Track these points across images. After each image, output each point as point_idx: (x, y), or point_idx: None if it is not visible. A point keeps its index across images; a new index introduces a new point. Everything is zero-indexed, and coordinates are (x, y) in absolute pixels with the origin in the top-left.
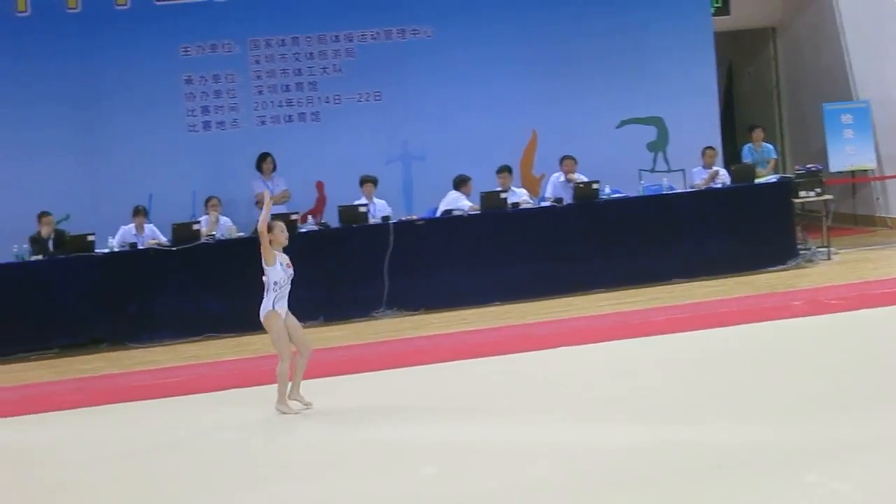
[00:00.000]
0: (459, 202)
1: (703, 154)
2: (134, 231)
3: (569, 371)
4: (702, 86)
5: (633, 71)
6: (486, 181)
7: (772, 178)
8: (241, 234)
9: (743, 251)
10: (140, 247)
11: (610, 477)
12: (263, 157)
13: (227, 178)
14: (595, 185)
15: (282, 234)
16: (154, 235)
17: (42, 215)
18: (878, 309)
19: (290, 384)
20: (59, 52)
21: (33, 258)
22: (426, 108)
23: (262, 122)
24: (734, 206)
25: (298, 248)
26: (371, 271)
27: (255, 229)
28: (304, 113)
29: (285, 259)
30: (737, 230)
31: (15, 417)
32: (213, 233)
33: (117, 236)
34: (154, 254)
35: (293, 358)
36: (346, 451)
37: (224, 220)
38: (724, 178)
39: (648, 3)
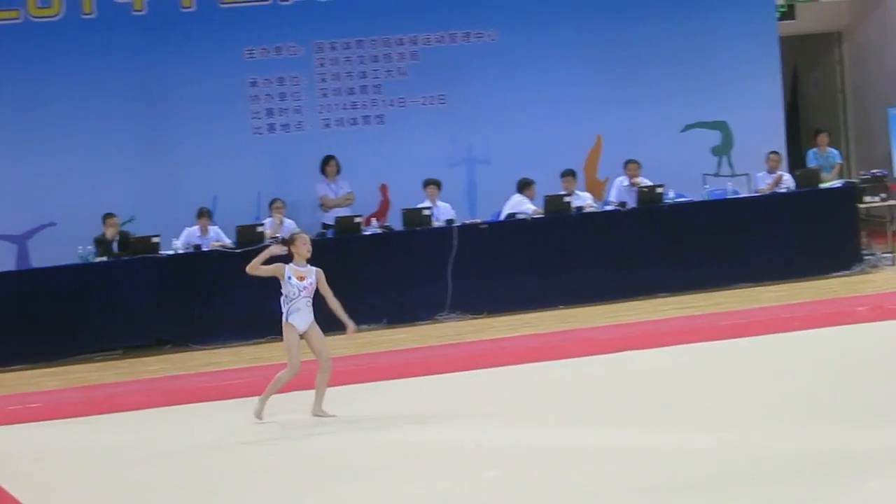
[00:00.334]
0: (523, 206)
1: (768, 158)
2: (198, 233)
3: (633, 375)
4: (767, 90)
5: (698, 75)
6: (549, 185)
7: (836, 184)
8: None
9: (807, 256)
10: (204, 249)
11: (676, 481)
12: (328, 159)
13: (291, 181)
14: (659, 189)
15: (304, 246)
16: (218, 237)
17: (107, 217)
18: None
19: (314, 396)
20: (125, 54)
21: (98, 259)
22: (490, 111)
23: (327, 125)
24: (798, 211)
25: (362, 250)
26: (434, 274)
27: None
28: (368, 116)
29: (300, 272)
30: (801, 235)
31: (79, 418)
32: (277, 235)
33: (181, 238)
34: (218, 256)
35: (317, 373)
36: (410, 454)
37: (288, 222)
38: (788, 182)
39: (714, 8)
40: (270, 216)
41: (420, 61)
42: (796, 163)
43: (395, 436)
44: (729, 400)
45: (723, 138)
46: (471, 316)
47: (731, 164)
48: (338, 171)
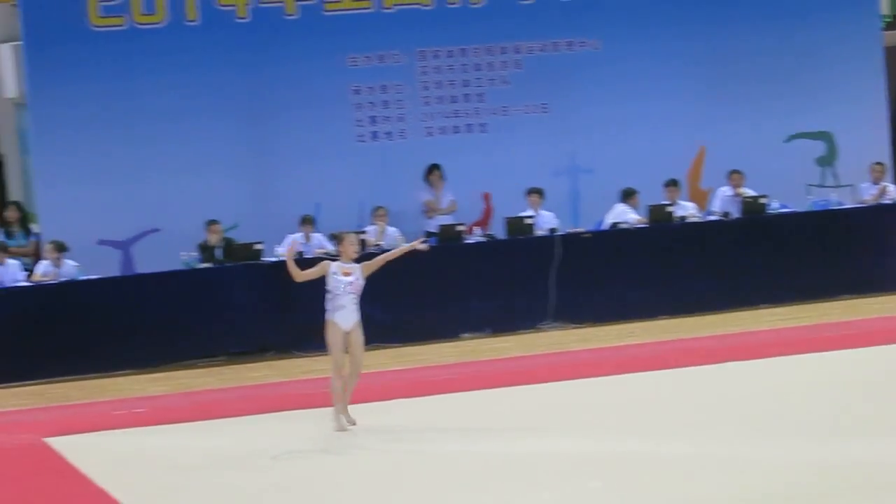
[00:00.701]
0: (626, 215)
1: (872, 169)
2: (301, 240)
3: (737, 387)
4: (871, 101)
5: (802, 86)
6: (653, 194)
7: None
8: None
9: None
10: (307, 256)
11: (779, 493)
12: (432, 168)
13: (393, 189)
14: (763, 200)
15: (351, 246)
16: (321, 244)
17: (210, 224)
18: None
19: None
20: (228, 60)
21: (202, 266)
22: (593, 121)
23: (430, 133)
24: None
25: (465, 258)
26: (537, 283)
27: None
28: (471, 124)
29: (345, 269)
30: None
31: (183, 424)
32: (381, 243)
33: (284, 245)
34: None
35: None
36: (511, 463)
37: (391, 230)
38: (892, 193)
39: (818, 20)
40: (373, 224)
41: (523, 70)
42: None
43: (498, 446)
44: (834, 412)
45: (827, 149)
46: (574, 325)
47: (835, 175)
48: (442, 180)
